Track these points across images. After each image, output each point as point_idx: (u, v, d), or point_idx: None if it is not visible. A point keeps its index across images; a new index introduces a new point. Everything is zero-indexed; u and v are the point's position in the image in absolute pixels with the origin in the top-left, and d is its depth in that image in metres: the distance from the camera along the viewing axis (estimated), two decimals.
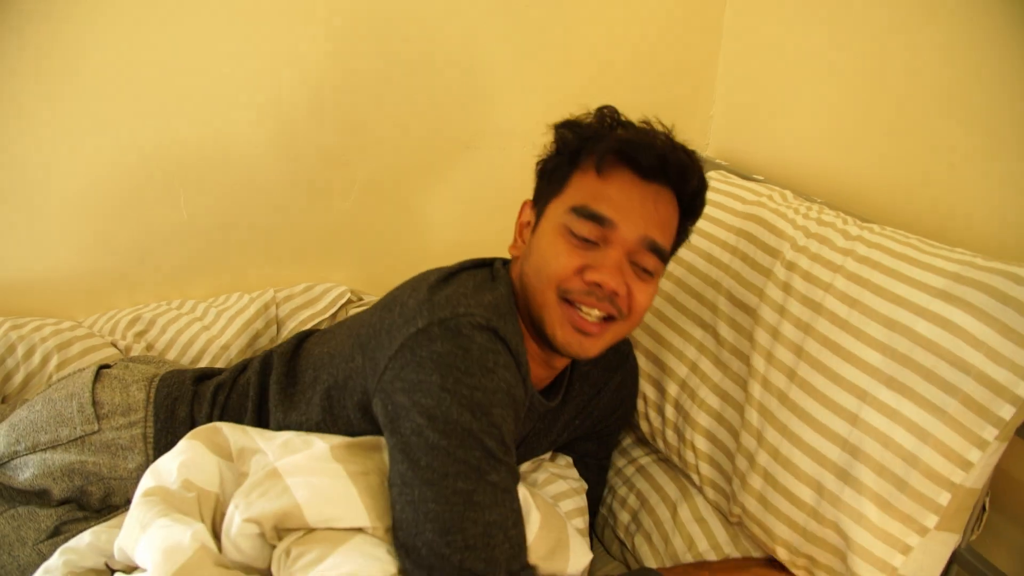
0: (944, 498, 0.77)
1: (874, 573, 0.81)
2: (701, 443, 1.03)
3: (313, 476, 0.76)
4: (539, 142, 0.92)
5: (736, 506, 0.97)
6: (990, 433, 0.75)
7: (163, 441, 0.91)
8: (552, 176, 0.91)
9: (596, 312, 0.84)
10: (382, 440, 0.82)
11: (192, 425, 0.91)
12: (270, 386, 0.93)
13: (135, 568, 0.75)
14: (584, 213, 0.84)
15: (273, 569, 0.74)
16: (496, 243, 1.43)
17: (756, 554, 1.00)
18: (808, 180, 1.29)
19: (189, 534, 0.71)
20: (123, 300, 1.28)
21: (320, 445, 0.81)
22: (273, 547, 0.75)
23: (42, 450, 0.89)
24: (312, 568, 0.70)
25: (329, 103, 1.28)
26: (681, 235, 0.92)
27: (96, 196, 1.20)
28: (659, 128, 0.90)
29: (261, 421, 0.93)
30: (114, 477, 0.89)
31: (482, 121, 1.39)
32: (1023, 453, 0.92)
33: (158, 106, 1.18)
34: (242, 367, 1.00)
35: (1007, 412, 0.74)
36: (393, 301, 0.85)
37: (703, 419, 1.04)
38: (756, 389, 0.96)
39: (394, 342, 0.78)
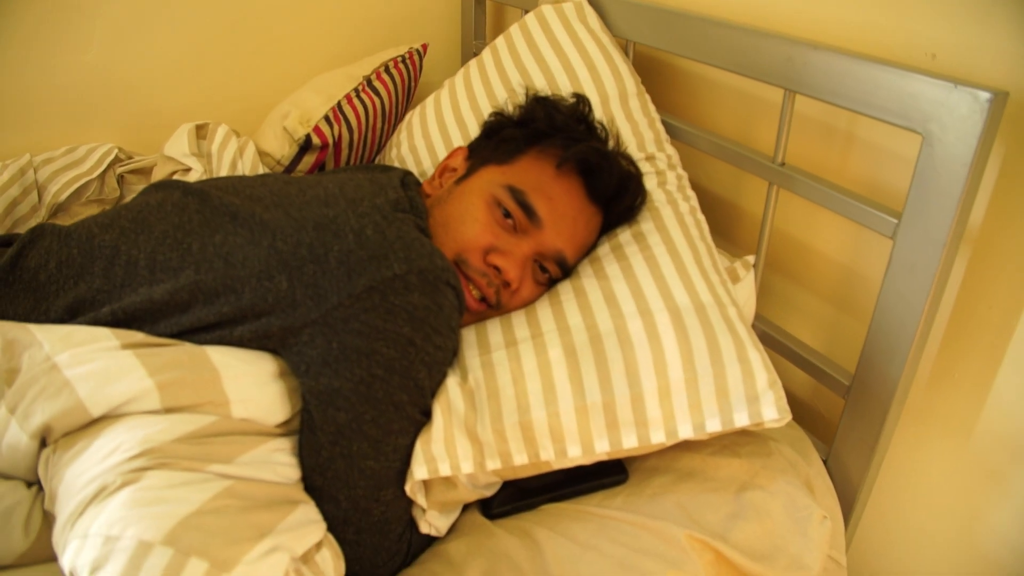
0: None
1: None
2: None
3: (96, 363, 0.66)
4: None
5: None
6: None
7: None
8: (503, 142, 0.91)
9: (478, 293, 0.84)
10: (198, 348, 0.71)
11: None
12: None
13: None
14: (520, 199, 0.84)
15: (40, 472, 0.66)
16: (259, 85, 1.42)
17: None
18: None
19: None
20: None
21: (107, 338, 0.69)
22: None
23: None
24: (76, 459, 0.63)
25: None
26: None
27: None
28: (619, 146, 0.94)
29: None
30: None
31: None
32: (813, 218, 0.97)
33: None
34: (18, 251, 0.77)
35: None
36: (330, 221, 0.74)
37: None
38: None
39: (356, 279, 0.70)
